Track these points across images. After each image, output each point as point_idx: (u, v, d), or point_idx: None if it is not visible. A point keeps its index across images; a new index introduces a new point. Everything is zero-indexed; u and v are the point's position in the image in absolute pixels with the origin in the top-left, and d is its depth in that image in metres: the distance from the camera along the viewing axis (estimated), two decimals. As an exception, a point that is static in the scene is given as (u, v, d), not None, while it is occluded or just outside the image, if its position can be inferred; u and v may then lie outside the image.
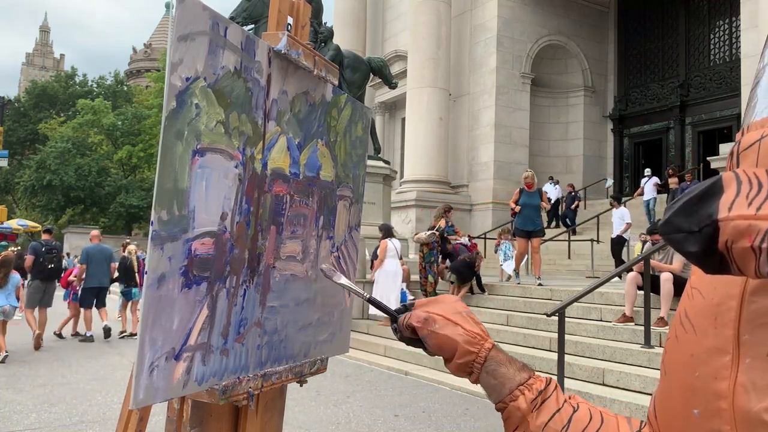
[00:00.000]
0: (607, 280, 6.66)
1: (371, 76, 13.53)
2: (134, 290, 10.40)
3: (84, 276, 9.78)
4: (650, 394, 5.36)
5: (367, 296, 0.94)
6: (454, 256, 10.24)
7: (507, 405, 0.76)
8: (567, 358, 5.97)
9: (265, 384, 1.16)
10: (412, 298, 9.98)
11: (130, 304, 10.46)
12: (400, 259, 9.80)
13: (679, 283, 6.55)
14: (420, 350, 0.85)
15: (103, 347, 9.20)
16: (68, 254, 25.47)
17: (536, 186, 9.70)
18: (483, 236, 15.55)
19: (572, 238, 14.91)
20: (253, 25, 10.60)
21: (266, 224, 1.14)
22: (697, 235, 0.50)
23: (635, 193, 16.05)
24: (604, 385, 5.97)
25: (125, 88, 51.91)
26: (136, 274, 10.51)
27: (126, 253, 10.72)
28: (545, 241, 13.87)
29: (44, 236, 9.90)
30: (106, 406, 5.59)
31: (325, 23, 12.55)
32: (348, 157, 1.43)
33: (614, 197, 12.81)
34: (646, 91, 20.89)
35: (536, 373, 0.79)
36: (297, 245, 1.24)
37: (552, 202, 16.14)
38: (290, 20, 1.25)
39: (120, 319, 10.44)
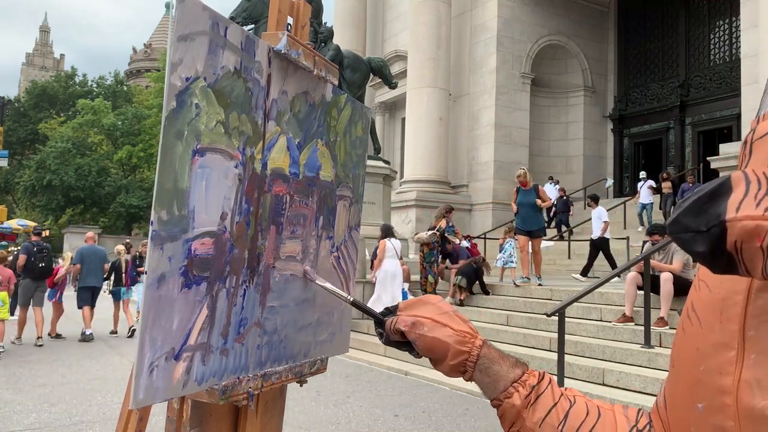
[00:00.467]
0: (607, 280, 6.66)
1: (371, 76, 13.53)
2: (122, 289, 10.75)
3: (78, 276, 10.12)
4: (650, 394, 5.37)
5: (351, 299, 0.94)
6: (454, 257, 10.24)
7: (502, 402, 0.76)
8: (567, 358, 5.98)
9: (265, 384, 1.16)
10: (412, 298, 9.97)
11: (121, 303, 10.78)
12: (400, 259, 9.80)
13: (679, 283, 6.55)
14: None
15: (103, 347, 9.21)
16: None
17: (531, 183, 9.59)
18: (483, 236, 15.55)
19: (572, 238, 14.91)
20: (253, 25, 10.61)
21: (266, 224, 1.14)
22: (705, 235, 0.49)
23: (632, 198, 15.99)
24: (604, 385, 5.97)
25: (125, 88, 51.93)
26: (123, 275, 10.77)
27: (116, 254, 11.01)
28: (551, 238, 13.90)
29: (34, 237, 10.28)
30: (106, 406, 5.59)
31: (325, 23, 12.55)
32: (348, 157, 1.43)
33: (591, 197, 12.65)
34: (646, 91, 20.90)
35: (530, 368, 0.79)
36: (297, 245, 1.24)
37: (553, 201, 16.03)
38: (290, 20, 1.25)
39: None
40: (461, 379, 0.81)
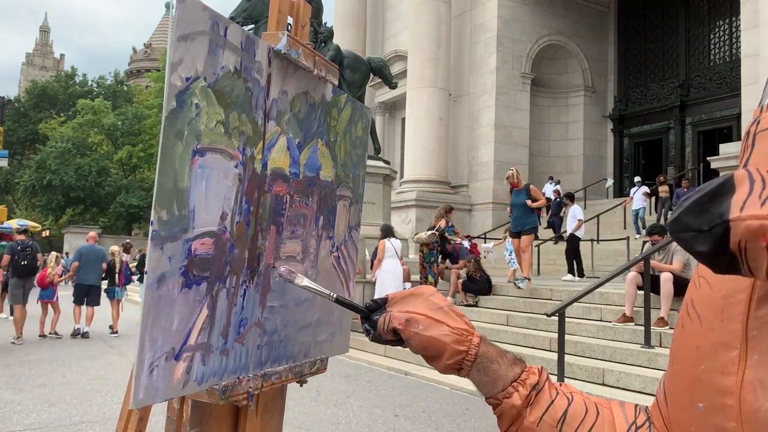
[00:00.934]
0: (607, 280, 6.65)
1: (371, 76, 13.52)
2: (116, 289, 10.83)
3: (75, 274, 10.26)
4: (650, 394, 5.36)
5: (334, 296, 0.92)
6: (454, 256, 10.24)
7: (500, 402, 0.74)
8: (567, 358, 5.98)
9: (265, 384, 1.16)
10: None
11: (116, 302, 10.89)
12: (400, 259, 9.80)
13: (679, 283, 6.55)
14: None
15: (102, 347, 9.21)
16: (67, 254, 25.49)
17: (523, 183, 9.51)
18: (483, 236, 15.55)
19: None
20: (253, 25, 10.60)
21: (266, 224, 1.14)
22: (707, 235, 0.48)
23: (624, 203, 15.87)
24: (604, 385, 5.97)
25: (125, 88, 51.93)
26: (117, 275, 10.85)
27: (110, 254, 11.12)
28: (544, 242, 13.86)
29: (18, 236, 10.60)
30: (106, 406, 5.59)
31: (325, 23, 12.54)
32: (348, 157, 1.43)
33: (567, 195, 12.60)
34: (646, 91, 20.90)
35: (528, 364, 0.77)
36: (297, 245, 1.24)
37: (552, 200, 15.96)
38: (290, 20, 1.25)
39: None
40: (461, 379, 0.79)
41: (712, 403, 0.55)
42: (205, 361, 0.99)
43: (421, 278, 10.00)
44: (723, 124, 18.56)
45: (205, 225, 0.97)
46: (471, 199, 19.01)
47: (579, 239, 11.21)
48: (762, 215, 0.46)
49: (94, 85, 50.40)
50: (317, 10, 11.66)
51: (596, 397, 0.76)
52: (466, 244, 10.84)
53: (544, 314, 6.23)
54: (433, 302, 0.78)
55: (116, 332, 10.31)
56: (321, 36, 11.85)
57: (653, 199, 15.54)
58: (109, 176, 40.49)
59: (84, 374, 7.07)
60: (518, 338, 7.65)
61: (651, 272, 6.61)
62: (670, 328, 6.49)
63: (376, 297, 0.91)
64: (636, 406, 0.73)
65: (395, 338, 0.78)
